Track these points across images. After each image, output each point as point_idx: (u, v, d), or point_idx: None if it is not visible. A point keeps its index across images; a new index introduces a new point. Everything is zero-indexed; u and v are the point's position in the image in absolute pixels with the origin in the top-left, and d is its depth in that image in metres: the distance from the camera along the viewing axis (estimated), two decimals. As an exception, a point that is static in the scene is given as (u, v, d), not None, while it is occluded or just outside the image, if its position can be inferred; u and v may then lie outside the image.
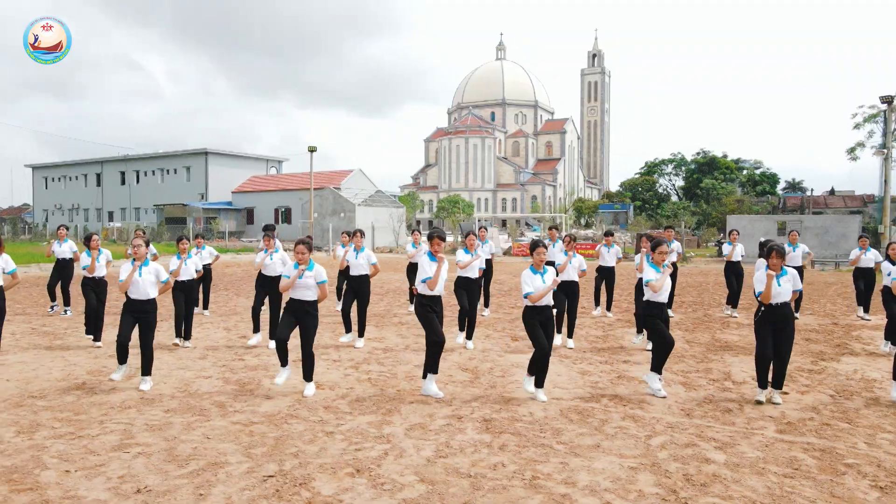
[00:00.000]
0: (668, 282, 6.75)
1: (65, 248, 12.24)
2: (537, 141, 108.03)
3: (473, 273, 9.18)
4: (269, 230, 12.27)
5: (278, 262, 9.25)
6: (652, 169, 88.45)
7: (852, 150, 41.95)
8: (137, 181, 69.58)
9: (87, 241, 9.22)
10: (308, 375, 6.68)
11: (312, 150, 39.33)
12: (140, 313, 6.82)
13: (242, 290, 16.75)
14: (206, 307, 12.31)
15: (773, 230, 32.51)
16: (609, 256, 11.81)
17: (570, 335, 9.27)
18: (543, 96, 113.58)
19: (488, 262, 11.68)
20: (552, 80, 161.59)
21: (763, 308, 6.44)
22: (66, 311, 12.25)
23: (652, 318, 6.71)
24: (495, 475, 4.52)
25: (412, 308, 12.41)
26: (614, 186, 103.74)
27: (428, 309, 6.63)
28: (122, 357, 6.96)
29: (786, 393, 6.61)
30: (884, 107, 39.35)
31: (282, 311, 6.81)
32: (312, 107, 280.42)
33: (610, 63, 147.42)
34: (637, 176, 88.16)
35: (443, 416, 5.89)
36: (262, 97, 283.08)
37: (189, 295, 9.14)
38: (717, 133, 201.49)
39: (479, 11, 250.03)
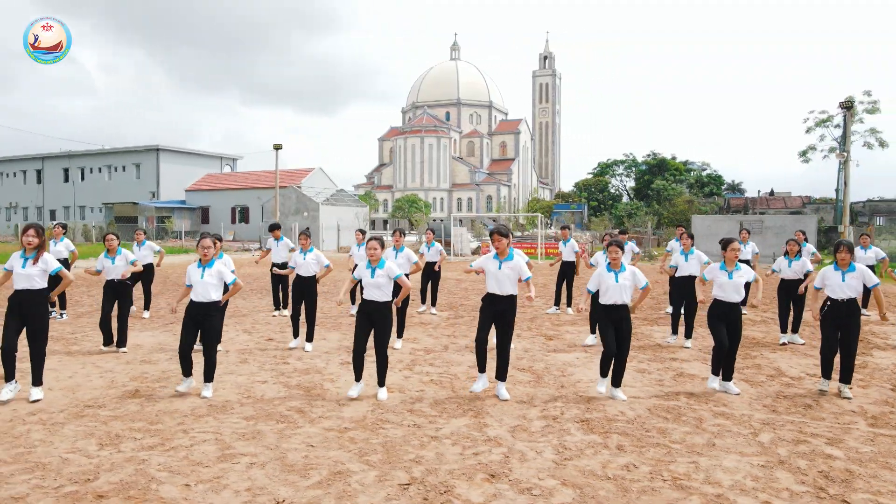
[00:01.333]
0: (744, 278, 6.77)
1: (60, 248, 11.59)
2: (492, 141, 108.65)
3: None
4: (275, 229, 11.97)
5: (312, 261, 8.97)
6: (604, 170, 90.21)
7: (804, 153, 43.74)
8: (82, 178, 66.66)
9: (104, 241, 8.69)
10: (382, 380, 6.49)
11: (278, 147, 38.47)
12: (203, 317, 6.47)
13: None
14: (146, 308, 11.74)
15: (736, 230, 33.62)
16: (566, 251, 11.95)
17: (593, 331, 9.39)
18: (497, 97, 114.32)
19: (431, 265, 11.74)
20: (505, 81, 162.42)
21: (829, 303, 6.61)
22: (61, 314, 11.59)
23: (714, 317, 6.72)
24: (633, 476, 4.47)
25: (422, 309, 12.27)
26: (565, 187, 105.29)
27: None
28: (188, 368, 6.52)
29: (851, 387, 6.77)
30: (833, 112, 41.33)
31: (355, 316, 6.52)
32: (258, 104, 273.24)
33: (561, 65, 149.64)
34: (590, 176, 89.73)
35: (537, 417, 5.80)
36: (204, 92, 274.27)
37: (122, 296, 8.68)
38: (665, 136, 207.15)
39: (431, 11, 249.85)
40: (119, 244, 8.89)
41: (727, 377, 6.69)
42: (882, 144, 40.22)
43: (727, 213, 69.83)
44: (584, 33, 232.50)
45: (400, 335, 9.10)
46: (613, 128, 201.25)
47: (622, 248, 6.53)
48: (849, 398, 6.46)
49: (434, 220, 49.42)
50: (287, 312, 11.60)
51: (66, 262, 11.66)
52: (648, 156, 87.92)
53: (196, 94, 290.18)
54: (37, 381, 6.30)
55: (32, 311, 6.23)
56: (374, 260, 6.45)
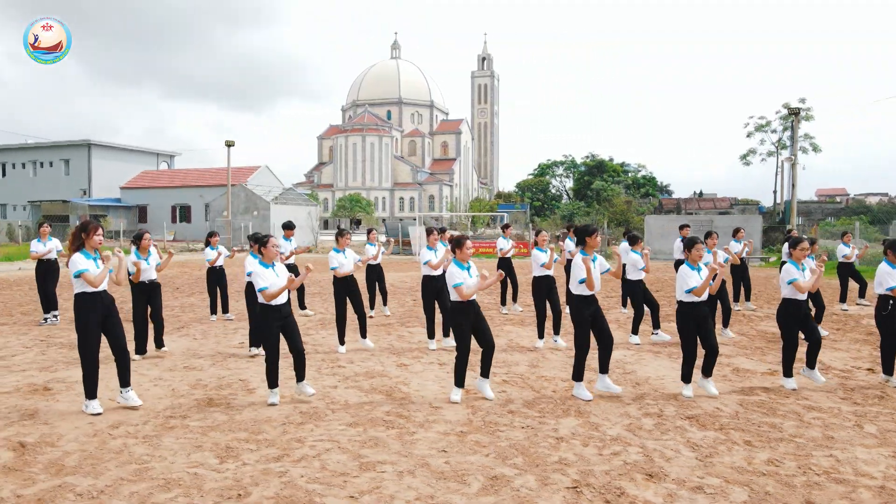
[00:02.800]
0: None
1: (49, 247, 10.83)
2: (433, 141, 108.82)
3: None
4: (289, 228, 11.58)
5: (352, 259, 8.73)
6: (545, 170, 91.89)
7: (745, 156, 45.89)
8: (3, 174, 62.59)
9: (137, 240, 8.13)
10: (487, 371, 6.40)
11: (230, 144, 37.24)
12: (285, 318, 6.16)
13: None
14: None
15: (693, 230, 34.91)
16: (507, 248, 12.21)
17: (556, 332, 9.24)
18: (439, 97, 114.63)
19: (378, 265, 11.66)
20: (446, 81, 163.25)
21: (893, 303, 6.87)
22: (55, 317, 10.83)
23: (790, 318, 6.85)
24: (785, 472, 4.54)
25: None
26: (504, 187, 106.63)
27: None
28: (275, 378, 6.15)
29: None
30: (771, 118, 43.56)
31: (457, 317, 6.28)
32: (179, 98, 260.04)
33: (499, 67, 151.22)
34: (531, 177, 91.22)
35: (641, 416, 5.82)
36: (121, 85, 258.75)
37: (155, 297, 8.26)
38: (603, 138, 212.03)
39: (366, 9, 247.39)
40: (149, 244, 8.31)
41: (790, 372, 6.83)
42: (815, 149, 42.70)
43: (661, 213, 72.64)
44: (521, 35, 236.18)
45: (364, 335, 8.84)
46: (552, 129, 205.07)
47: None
48: (913, 389, 6.76)
49: (398, 219, 49.00)
50: (232, 316, 11.39)
51: (56, 263, 10.96)
52: (587, 157, 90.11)
53: (113, 88, 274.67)
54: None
55: (114, 312, 5.89)
56: (464, 259, 6.31)
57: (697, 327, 6.45)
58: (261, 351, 8.35)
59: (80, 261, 5.69)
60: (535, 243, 9.59)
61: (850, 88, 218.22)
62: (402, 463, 4.66)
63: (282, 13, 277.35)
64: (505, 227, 12.87)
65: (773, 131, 43.50)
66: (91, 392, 5.77)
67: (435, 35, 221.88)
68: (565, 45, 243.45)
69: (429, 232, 9.17)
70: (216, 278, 11.29)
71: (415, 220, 44.50)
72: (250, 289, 8.36)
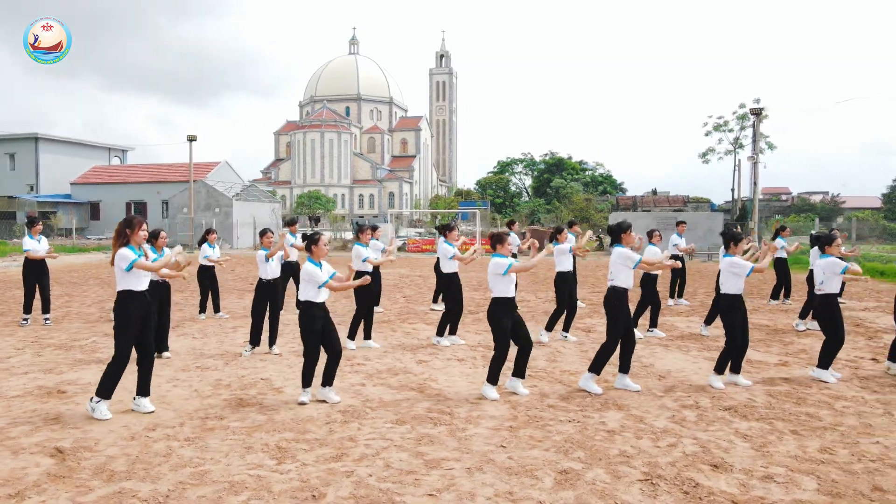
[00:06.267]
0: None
1: (42, 246, 10.34)
2: (392, 137, 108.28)
3: None
4: (292, 224, 11.36)
5: (377, 252, 8.66)
6: (504, 168, 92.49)
7: (704, 154, 47.07)
8: (-58, 168, 59.48)
9: (153, 238, 7.72)
10: (523, 372, 6.39)
11: (192, 139, 36.27)
12: (325, 318, 5.99)
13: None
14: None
15: (652, 224, 35.74)
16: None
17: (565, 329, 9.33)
18: (398, 93, 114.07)
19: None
20: (404, 77, 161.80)
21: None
22: (46, 320, 10.33)
23: (837, 312, 6.95)
24: (841, 459, 4.64)
25: (434, 306, 12.05)
26: (462, 184, 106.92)
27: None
28: (311, 378, 5.99)
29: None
30: (729, 118, 44.79)
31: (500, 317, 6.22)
32: (120, 90, 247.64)
33: (457, 64, 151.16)
34: (490, 174, 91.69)
35: (681, 408, 5.88)
36: (55, 76, 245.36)
37: (167, 296, 8.01)
38: (561, 136, 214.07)
39: (321, 4, 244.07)
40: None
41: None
42: (770, 147, 44.10)
43: (618, 210, 74.04)
44: (479, 33, 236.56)
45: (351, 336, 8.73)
46: (510, 127, 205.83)
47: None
48: (926, 377, 7.02)
49: (358, 217, 48.67)
50: (226, 315, 11.13)
51: (45, 262, 10.46)
52: (546, 155, 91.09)
53: (46, 78, 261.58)
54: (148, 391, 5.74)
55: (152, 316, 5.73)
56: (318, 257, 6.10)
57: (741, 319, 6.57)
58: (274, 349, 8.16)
59: (128, 254, 5.45)
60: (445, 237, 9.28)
61: (800, 90, 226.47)
62: (465, 459, 4.60)
63: (228, 4, 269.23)
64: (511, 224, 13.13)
65: (730, 130, 44.79)
66: (108, 392, 5.50)
67: (393, 31, 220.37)
68: (523, 44, 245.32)
69: (361, 230, 9.09)
70: (209, 277, 10.96)
71: (375, 216, 44.17)
72: (263, 288, 8.14)
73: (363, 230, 9.01)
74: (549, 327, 9.09)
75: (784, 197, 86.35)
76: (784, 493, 4.07)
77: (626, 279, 6.50)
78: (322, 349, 5.96)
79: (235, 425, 5.33)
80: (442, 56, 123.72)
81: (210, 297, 11.17)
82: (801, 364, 7.72)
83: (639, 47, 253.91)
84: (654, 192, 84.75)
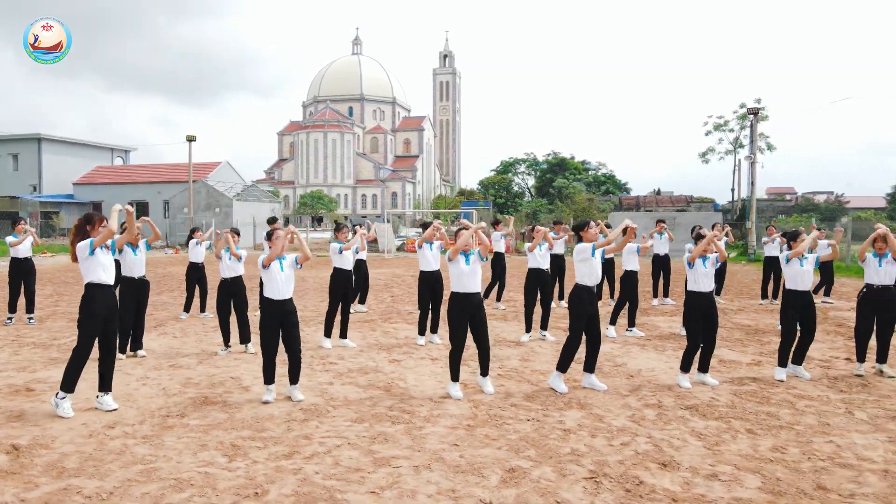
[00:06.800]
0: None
1: (26, 246, 10.43)
2: (396, 138, 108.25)
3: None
4: (273, 222, 11.42)
5: (349, 254, 8.73)
6: (507, 168, 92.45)
7: (704, 154, 46.95)
8: (-55, 168, 59.85)
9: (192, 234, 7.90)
10: (486, 370, 6.43)
11: (191, 139, 36.41)
12: (284, 315, 6.02)
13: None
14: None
15: (651, 225, 35.66)
16: (498, 243, 12.29)
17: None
18: (401, 93, 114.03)
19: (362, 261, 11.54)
20: (407, 77, 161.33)
21: (865, 289, 7.16)
22: (30, 320, 10.41)
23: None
24: (791, 458, 4.65)
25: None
26: (466, 185, 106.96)
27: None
28: (272, 375, 6.04)
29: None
30: (729, 117, 44.65)
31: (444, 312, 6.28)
32: (122, 91, 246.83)
33: (461, 64, 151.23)
34: (493, 174, 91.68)
35: (643, 406, 5.89)
36: (58, 76, 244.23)
37: (144, 294, 8.00)
38: (564, 135, 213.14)
39: (323, 4, 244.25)
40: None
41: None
42: (770, 148, 43.96)
43: (620, 210, 73.93)
44: (483, 33, 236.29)
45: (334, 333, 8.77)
46: (514, 127, 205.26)
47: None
48: (893, 377, 7.00)
49: (361, 216, 48.74)
50: (210, 315, 11.06)
51: (31, 261, 10.56)
52: (549, 155, 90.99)
53: (49, 78, 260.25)
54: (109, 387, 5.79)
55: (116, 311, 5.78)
56: (468, 248, 6.29)
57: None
58: (250, 348, 8.21)
59: (86, 244, 5.52)
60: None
61: (800, 90, 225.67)
62: (415, 458, 4.63)
63: (230, 4, 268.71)
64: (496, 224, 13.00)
65: (731, 130, 44.63)
66: (70, 385, 5.52)
67: (397, 31, 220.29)
68: (526, 44, 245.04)
69: (338, 228, 9.15)
70: (197, 276, 11.02)
71: (378, 217, 44.21)
72: (223, 287, 8.25)
73: (339, 229, 9.06)
74: (529, 328, 9.14)
75: (788, 197, 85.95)
76: (725, 491, 4.08)
77: (587, 276, 6.44)
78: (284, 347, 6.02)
79: (195, 423, 5.37)
80: (445, 56, 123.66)
81: (198, 295, 11.22)
82: (774, 364, 7.70)
83: (641, 47, 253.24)
84: (658, 192, 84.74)
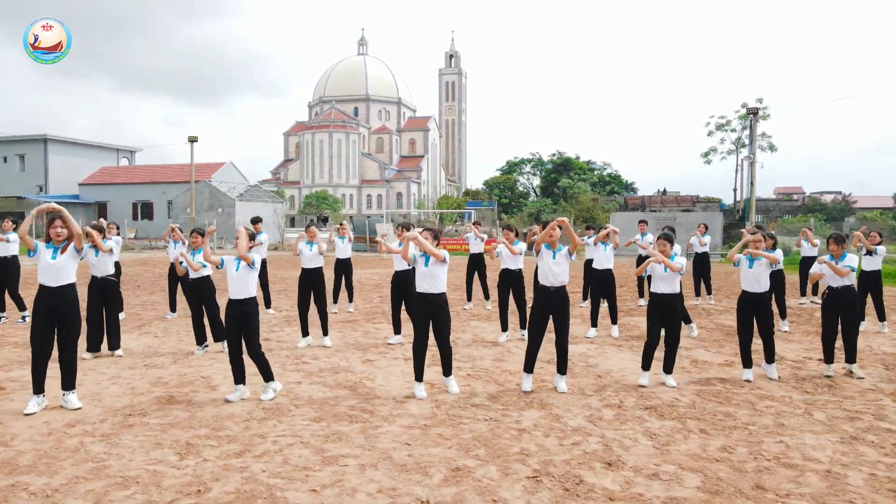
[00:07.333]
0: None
1: (13, 245, 10.54)
2: (401, 138, 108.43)
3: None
4: (257, 222, 11.52)
5: (317, 253, 8.77)
6: (512, 168, 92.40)
7: (706, 154, 46.81)
8: (-48, 169, 60.41)
9: (100, 231, 7.93)
10: (448, 370, 6.46)
11: (193, 140, 36.61)
12: (242, 317, 6.07)
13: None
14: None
15: (654, 226, 35.56)
16: (475, 243, 12.28)
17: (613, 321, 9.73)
18: (406, 93, 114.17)
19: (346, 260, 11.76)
20: (413, 77, 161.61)
21: (828, 292, 7.18)
22: (23, 318, 10.52)
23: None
24: (737, 458, 4.68)
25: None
26: (472, 185, 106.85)
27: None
28: (238, 373, 6.12)
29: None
30: (731, 117, 44.50)
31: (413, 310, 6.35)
32: (131, 91, 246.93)
33: (466, 64, 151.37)
34: (498, 174, 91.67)
35: (602, 407, 5.93)
36: (68, 77, 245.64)
37: (111, 295, 8.03)
38: (569, 135, 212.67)
39: (328, 2, 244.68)
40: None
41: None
42: (772, 148, 43.78)
43: (626, 210, 73.78)
44: (488, 32, 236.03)
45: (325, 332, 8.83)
46: (519, 127, 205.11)
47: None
48: (861, 378, 7.00)
49: (366, 217, 48.91)
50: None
51: (16, 260, 10.67)
52: (554, 155, 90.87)
53: (59, 79, 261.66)
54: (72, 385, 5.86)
55: (67, 310, 5.75)
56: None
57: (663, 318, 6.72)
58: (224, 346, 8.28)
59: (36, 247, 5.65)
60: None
61: (802, 90, 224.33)
62: (364, 456, 4.68)
63: (238, 5, 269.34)
64: (476, 224, 13.04)
65: (733, 130, 44.51)
66: (33, 385, 5.67)
67: (402, 32, 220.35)
68: (532, 44, 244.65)
69: (307, 228, 9.26)
70: (176, 275, 11.11)
71: (382, 217, 44.33)
72: (191, 287, 8.28)
73: (307, 228, 9.12)
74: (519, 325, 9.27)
75: (796, 197, 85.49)
76: (663, 491, 4.12)
77: (545, 275, 6.47)
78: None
79: (154, 422, 5.44)
80: (451, 56, 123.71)
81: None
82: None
83: (645, 48, 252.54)
84: (664, 192, 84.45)
